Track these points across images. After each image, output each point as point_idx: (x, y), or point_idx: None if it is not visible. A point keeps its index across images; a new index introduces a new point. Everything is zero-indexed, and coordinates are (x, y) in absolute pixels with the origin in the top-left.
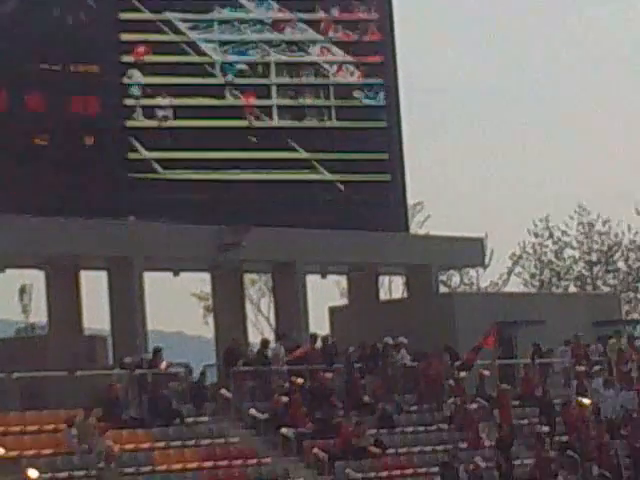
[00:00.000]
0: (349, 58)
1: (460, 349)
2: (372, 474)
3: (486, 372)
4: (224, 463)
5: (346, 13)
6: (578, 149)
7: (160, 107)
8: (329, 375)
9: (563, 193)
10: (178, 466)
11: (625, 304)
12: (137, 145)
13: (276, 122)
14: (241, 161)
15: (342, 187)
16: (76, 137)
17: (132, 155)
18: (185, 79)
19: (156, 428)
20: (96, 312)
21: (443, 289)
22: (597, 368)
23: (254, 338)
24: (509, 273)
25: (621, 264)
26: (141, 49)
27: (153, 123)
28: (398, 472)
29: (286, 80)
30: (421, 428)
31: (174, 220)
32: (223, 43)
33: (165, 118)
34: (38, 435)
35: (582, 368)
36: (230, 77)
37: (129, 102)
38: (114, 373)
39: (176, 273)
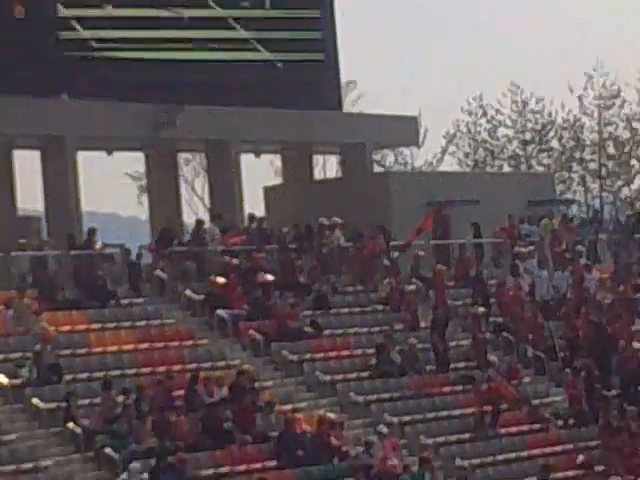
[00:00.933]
0: None
1: (394, 229)
2: (308, 355)
3: (421, 252)
4: (160, 345)
5: None
6: (512, 26)
7: None
8: (262, 255)
9: (496, 70)
10: (114, 348)
11: (559, 184)
12: (71, 21)
13: (210, 11)
14: (175, 40)
15: (277, 65)
16: (6, 8)
17: (66, 32)
18: None
19: (91, 310)
20: (30, 193)
21: (377, 169)
22: (531, 248)
23: (189, 218)
24: (443, 152)
25: (555, 143)
26: None
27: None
28: (334, 354)
29: None
30: (356, 309)
31: (107, 98)
32: None
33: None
34: None
35: (517, 248)
36: None
37: None
38: (48, 254)
39: (110, 152)
